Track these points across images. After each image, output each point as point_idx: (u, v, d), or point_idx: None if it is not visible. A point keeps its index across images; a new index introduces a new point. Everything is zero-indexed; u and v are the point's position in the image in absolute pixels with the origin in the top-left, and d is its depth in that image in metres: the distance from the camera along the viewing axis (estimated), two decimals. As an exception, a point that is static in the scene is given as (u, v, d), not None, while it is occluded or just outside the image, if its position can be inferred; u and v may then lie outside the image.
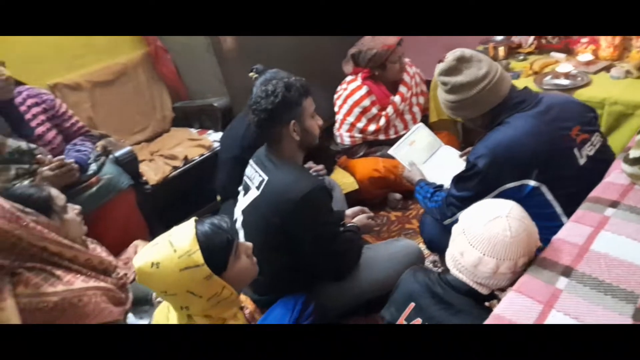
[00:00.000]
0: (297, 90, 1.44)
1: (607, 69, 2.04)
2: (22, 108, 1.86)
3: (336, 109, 2.46)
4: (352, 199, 2.19)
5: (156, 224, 2.02)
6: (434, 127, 2.37)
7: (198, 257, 0.94)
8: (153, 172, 2.33)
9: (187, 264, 0.93)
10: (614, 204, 1.11)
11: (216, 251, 0.99)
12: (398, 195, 2.42)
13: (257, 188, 1.50)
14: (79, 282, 1.32)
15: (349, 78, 2.44)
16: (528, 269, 1.00)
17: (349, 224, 1.67)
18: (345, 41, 2.38)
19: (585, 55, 2.13)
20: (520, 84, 1.53)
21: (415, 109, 2.49)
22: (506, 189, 1.30)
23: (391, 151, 1.98)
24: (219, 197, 2.20)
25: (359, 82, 2.37)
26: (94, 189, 1.87)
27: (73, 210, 1.43)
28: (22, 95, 1.89)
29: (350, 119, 2.39)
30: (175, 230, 1.01)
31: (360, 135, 2.42)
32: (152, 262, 0.93)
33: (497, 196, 1.30)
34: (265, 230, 1.47)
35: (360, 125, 2.39)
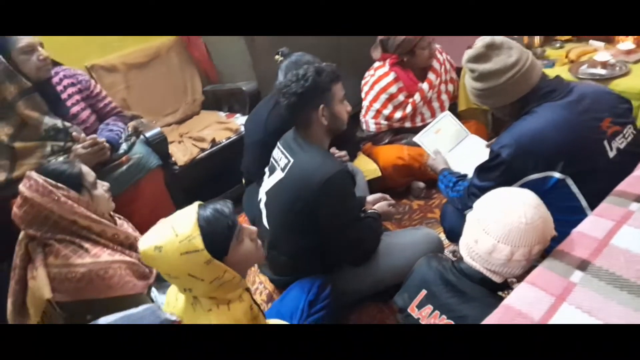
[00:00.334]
0: (328, 75, 1.46)
1: (648, 58, 1.94)
2: (59, 88, 1.93)
3: (363, 95, 2.43)
4: (376, 186, 2.17)
5: (183, 204, 2.05)
6: (462, 116, 2.32)
7: (198, 242, 0.95)
8: (181, 153, 2.39)
9: (188, 249, 0.94)
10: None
11: (217, 236, 0.99)
12: (421, 184, 2.39)
13: (282, 170, 1.52)
14: (105, 255, 1.38)
15: (376, 64, 2.41)
16: (543, 261, 0.98)
17: (369, 211, 1.68)
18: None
19: (627, 44, 2.02)
20: (554, 72, 1.46)
21: (444, 97, 2.43)
22: (530, 180, 1.27)
23: (416, 138, 1.96)
24: (244, 180, 2.23)
25: (386, 68, 2.34)
26: (124, 167, 1.95)
27: (102, 187, 1.49)
28: (59, 76, 1.97)
29: (377, 105, 2.36)
30: (178, 214, 1.02)
31: (386, 122, 2.40)
32: (155, 245, 0.95)
33: (520, 187, 1.27)
34: (288, 211, 1.49)
35: (386, 112, 2.36)
